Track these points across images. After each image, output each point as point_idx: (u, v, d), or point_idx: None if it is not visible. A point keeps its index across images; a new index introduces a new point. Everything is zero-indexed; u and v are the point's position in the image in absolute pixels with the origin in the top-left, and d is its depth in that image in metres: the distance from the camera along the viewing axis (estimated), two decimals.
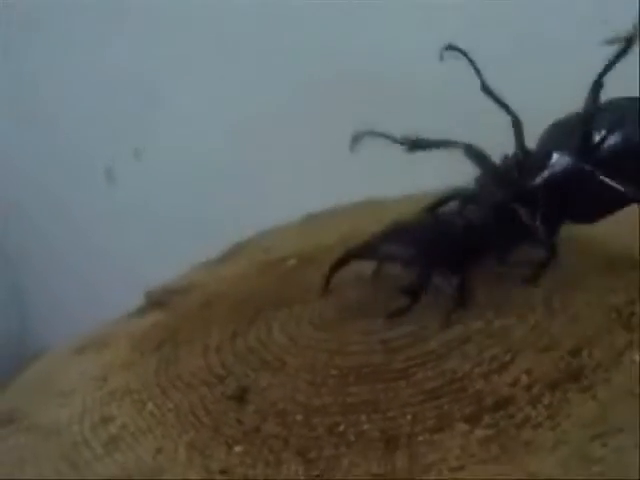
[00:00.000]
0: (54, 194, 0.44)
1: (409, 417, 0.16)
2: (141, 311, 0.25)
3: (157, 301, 0.26)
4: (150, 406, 0.18)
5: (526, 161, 0.18)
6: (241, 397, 0.17)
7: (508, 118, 0.20)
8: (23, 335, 0.45)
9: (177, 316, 0.24)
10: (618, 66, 0.19)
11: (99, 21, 0.40)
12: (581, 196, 0.18)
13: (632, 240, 0.20)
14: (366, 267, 0.24)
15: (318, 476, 0.15)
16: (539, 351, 0.16)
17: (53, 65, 0.42)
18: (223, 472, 0.15)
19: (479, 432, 0.15)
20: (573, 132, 0.18)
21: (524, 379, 0.16)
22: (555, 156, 0.18)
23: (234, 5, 0.39)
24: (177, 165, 0.42)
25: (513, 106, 0.20)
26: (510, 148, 0.23)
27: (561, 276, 0.19)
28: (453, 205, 0.20)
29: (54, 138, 0.43)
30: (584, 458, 0.13)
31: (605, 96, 0.19)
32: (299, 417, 0.16)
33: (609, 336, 0.16)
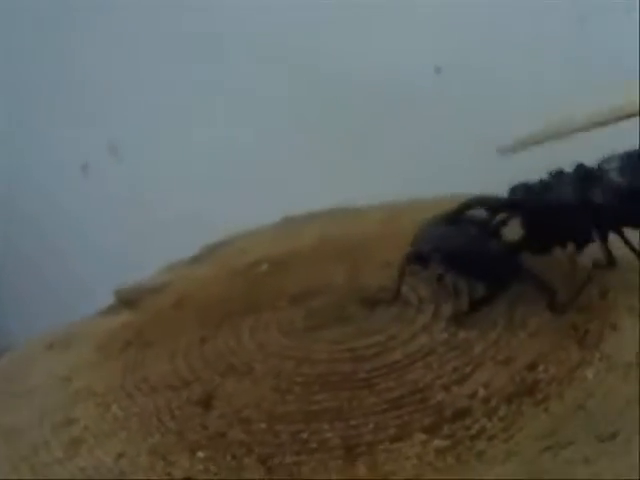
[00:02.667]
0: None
1: (371, 426, 0.16)
2: (110, 310, 0.25)
3: (126, 300, 0.26)
4: (114, 409, 0.18)
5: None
6: (207, 402, 0.18)
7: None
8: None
9: (145, 316, 0.24)
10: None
11: (77, 18, 0.40)
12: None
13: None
14: (335, 274, 0.24)
15: None
16: (497, 365, 0.17)
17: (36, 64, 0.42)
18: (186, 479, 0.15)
19: (437, 442, 0.15)
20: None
21: (482, 391, 0.16)
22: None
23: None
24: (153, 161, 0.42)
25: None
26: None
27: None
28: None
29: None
30: (534, 469, 0.14)
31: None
32: (263, 425, 0.16)
33: (564, 352, 0.17)
